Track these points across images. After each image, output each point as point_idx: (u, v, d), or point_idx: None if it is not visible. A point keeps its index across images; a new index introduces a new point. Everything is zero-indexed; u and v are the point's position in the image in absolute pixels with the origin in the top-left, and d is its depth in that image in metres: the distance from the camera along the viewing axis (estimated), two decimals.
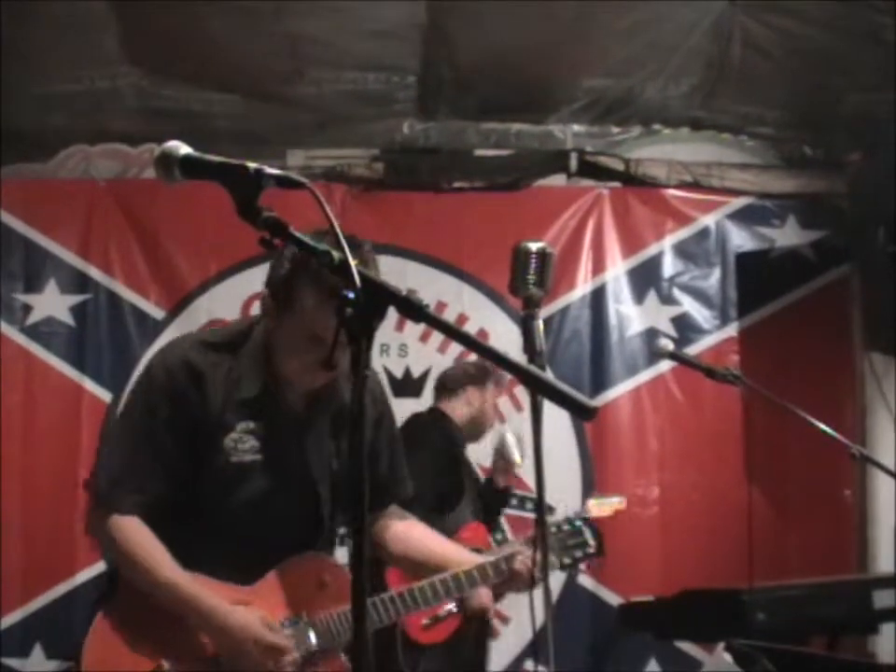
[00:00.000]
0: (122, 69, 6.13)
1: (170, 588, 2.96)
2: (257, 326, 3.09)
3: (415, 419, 5.51)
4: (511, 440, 5.63)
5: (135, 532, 2.99)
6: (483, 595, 4.92)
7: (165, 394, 3.01)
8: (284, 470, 3.09)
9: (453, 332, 2.14)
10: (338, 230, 1.96)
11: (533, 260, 2.93)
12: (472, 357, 5.75)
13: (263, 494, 3.07)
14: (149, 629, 2.99)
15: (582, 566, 4.02)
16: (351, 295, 1.93)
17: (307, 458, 3.11)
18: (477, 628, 5.36)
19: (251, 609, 3.00)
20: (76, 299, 6.46)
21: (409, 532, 3.37)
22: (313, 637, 3.04)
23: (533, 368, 2.01)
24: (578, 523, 3.55)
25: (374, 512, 3.27)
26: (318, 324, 2.86)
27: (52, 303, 6.46)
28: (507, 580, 3.26)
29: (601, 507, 5.59)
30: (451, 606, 4.85)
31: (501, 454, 5.69)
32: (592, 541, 3.61)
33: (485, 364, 5.54)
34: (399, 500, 3.39)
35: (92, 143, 6.59)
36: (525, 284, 2.92)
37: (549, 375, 2.10)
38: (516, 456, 5.63)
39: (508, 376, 5.49)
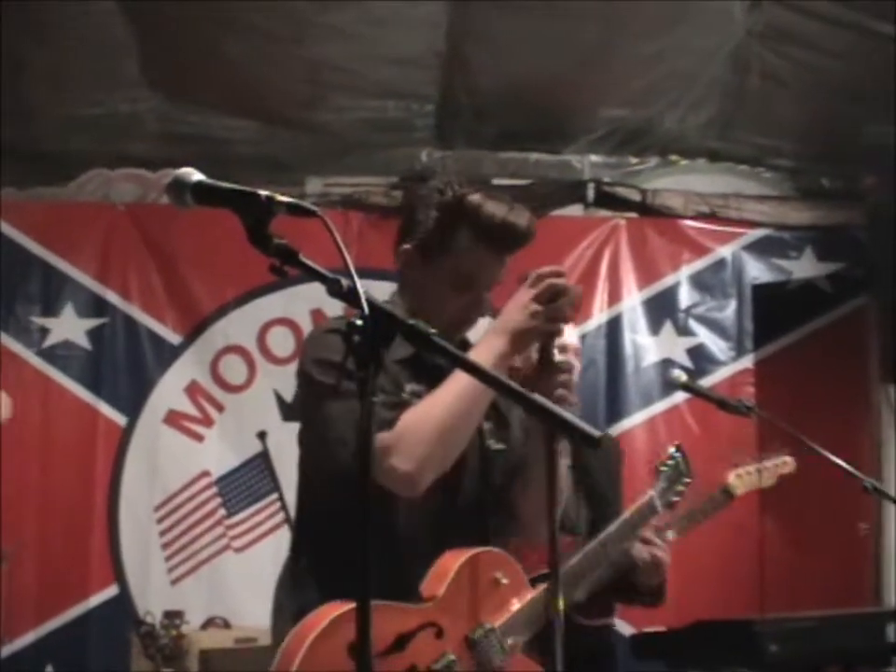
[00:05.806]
0: (143, 93, 6.14)
1: None
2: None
3: None
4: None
5: None
6: (654, 545, 4.41)
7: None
8: None
9: (458, 360, 2.14)
10: (347, 257, 1.97)
11: None
12: None
13: None
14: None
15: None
16: (359, 322, 1.94)
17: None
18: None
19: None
20: (92, 322, 6.47)
21: None
22: (498, 650, 2.88)
23: (539, 397, 2.01)
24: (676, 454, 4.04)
25: None
26: (478, 263, 2.98)
27: (69, 327, 6.46)
28: None
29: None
30: None
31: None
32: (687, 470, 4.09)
33: None
34: None
35: (112, 167, 6.60)
36: None
37: (555, 405, 2.09)
38: None
39: None
